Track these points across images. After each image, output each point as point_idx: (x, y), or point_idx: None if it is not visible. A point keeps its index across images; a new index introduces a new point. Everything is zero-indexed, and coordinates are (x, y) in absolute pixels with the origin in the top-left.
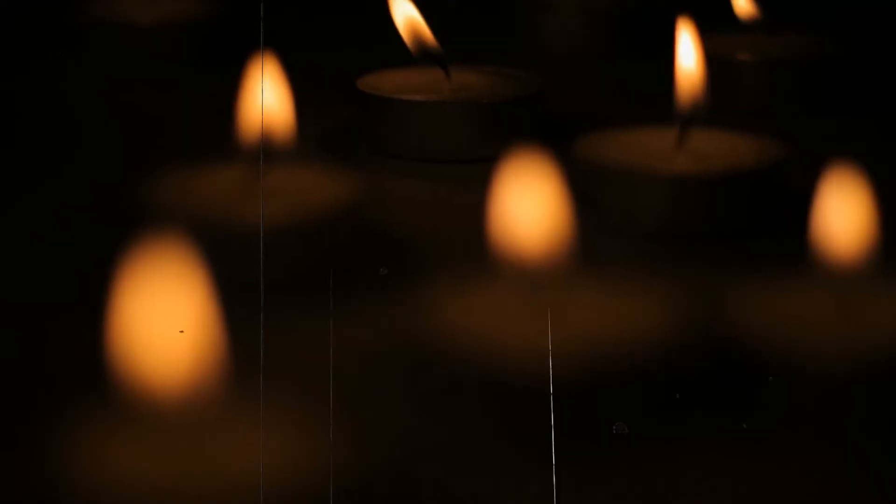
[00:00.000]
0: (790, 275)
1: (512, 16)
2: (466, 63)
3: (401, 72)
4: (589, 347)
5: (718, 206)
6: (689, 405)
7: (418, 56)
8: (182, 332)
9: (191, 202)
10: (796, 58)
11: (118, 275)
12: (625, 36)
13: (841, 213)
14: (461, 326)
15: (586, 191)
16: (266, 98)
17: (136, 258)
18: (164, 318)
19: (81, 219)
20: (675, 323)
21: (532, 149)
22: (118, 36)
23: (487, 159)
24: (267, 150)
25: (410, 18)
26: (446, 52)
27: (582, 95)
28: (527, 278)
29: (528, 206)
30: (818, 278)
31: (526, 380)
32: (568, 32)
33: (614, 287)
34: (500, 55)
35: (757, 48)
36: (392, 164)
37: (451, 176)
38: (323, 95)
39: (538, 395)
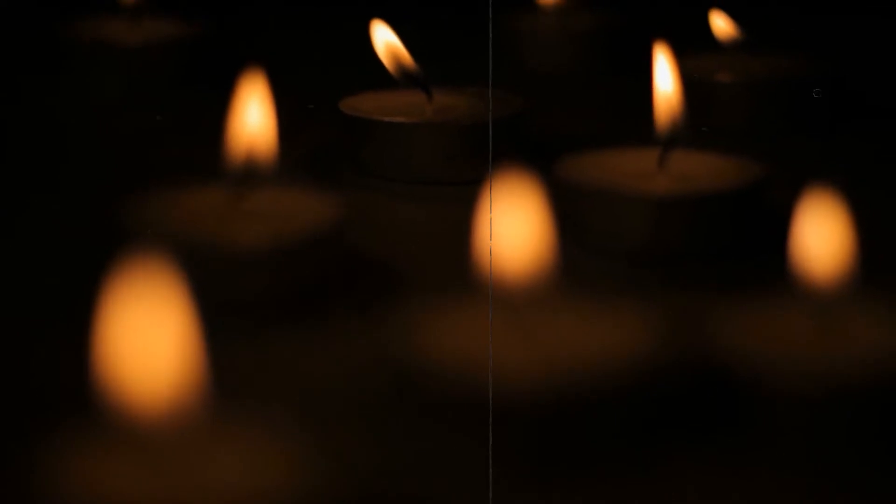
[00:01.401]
0: (771, 295)
1: (494, 36)
2: (448, 84)
3: (382, 94)
4: (570, 368)
5: (700, 227)
6: (671, 426)
7: (400, 79)
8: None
9: (175, 223)
10: (777, 78)
11: (103, 295)
12: (607, 56)
13: (821, 234)
14: (443, 347)
15: (568, 212)
16: (250, 119)
17: (121, 279)
18: (149, 339)
19: (66, 239)
20: (657, 344)
21: (514, 170)
22: (104, 56)
23: (469, 181)
24: (250, 171)
25: (390, 44)
26: (427, 74)
27: (564, 116)
28: (508, 299)
29: (510, 227)
30: (799, 299)
31: (507, 401)
32: (550, 53)
33: (596, 308)
34: (482, 76)
35: (737, 69)
36: (374, 185)
37: (434, 197)
38: (305, 117)
39: (520, 416)
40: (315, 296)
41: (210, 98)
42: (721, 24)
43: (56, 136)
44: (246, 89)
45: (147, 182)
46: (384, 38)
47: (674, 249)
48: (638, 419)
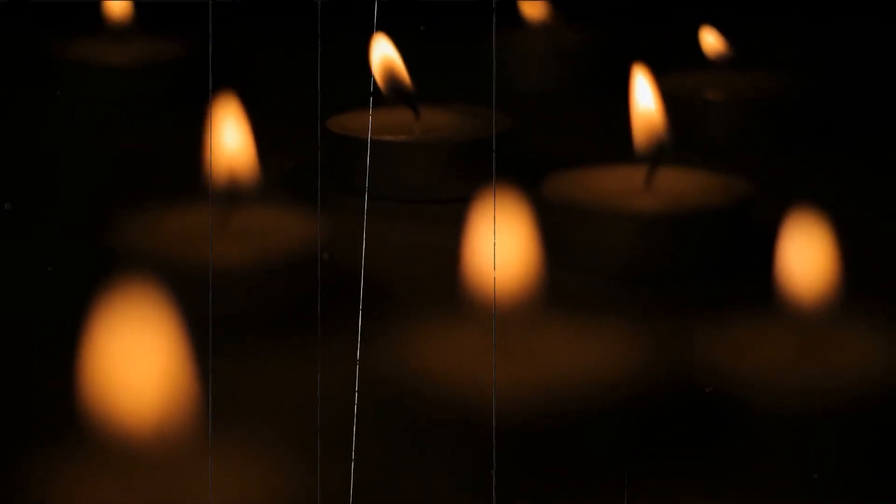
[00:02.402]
0: (757, 315)
1: (482, 54)
2: (436, 102)
3: (370, 112)
4: (557, 387)
5: (686, 246)
6: (657, 444)
7: (389, 96)
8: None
9: (160, 243)
10: (765, 96)
11: (89, 316)
12: (594, 75)
13: (807, 253)
14: (430, 366)
15: (555, 230)
16: (234, 138)
17: (106, 299)
18: (135, 359)
19: (52, 259)
20: (643, 362)
21: (501, 188)
22: (90, 76)
23: (456, 199)
24: (235, 190)
25: (387, 58)
26: (416, 92)
27: (551, 134)
28: (496, 318)
29: (497, 245)
30: (784, 318)
31: (492, 419)
32: (537, 71)
33: (582, 326)
34: (470, 94)
35: (725, 86)
36: (361, 203)
37: (421, 216)
38: (291, 135)
39: (507, 434)
40: (302, 315)
41: (194, 117)
42: (710, 41)
43: (43, 156)
44: (226, 109)
45: (131, 202)
46: (383, 53)
47: (660, 268)
48: (624, 437)
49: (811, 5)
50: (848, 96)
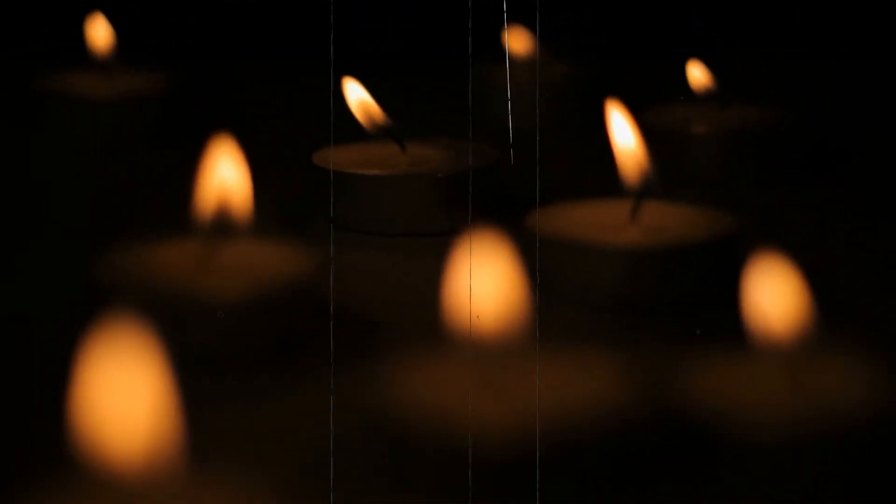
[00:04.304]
0: (742, 347)
1: (465, 87)
2: (421, 137)
3: (356, 146)
4: (542, 419)
5: (672, 279)
6: (642, 477)
7: (373, 132)
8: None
9: (148, 278)
10: (750, 129)
11: (77, 351)
12: (579, 108)
13: (789, 286)
14: (416, 400)
15: (541, 263)
16: (222, 173)
17: (94, 334)
18: (124, 394)
19: (38, 294)
20: (629, 395)
21: (487, 222)
22: (77, 110)
23: (443, 233)
24: (223, 225)
25: (362, 100)
26: (400, 126)
27: (536, 168)
28: (481, 352)
29: (483, 279)
30: (769, 351)
31: (479, 451)
32: (522, 105)
33: (568, 359)
34: (456, 128)
35: (711, 119)
36: (348, 237)
37: (408, 249)
38: (279, 169)
39: (492, 468)
40: (289, 349)
41: (182, 151)
42: (696, 74)
43: (30, 190)
44: (216, 143)
45: (121, 237)
46: (355, 96)
47: (646, 301)
48: (609, 470)
49: (797, 39)
50: (834, 129)
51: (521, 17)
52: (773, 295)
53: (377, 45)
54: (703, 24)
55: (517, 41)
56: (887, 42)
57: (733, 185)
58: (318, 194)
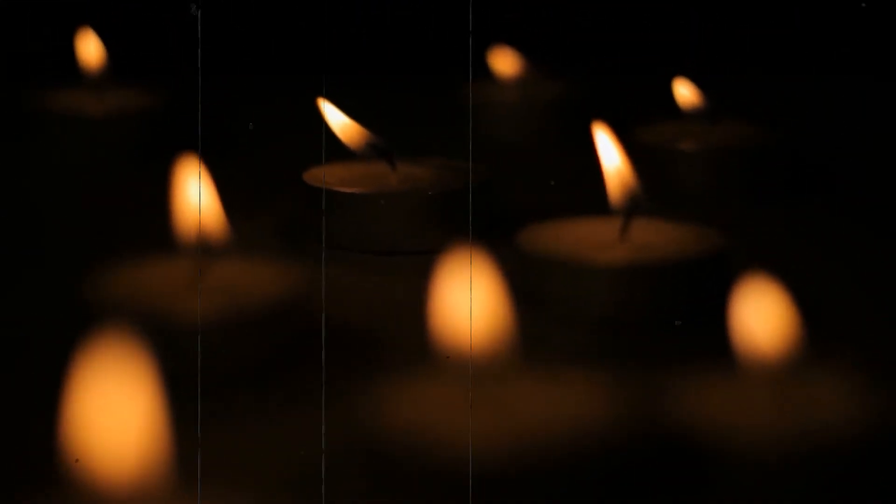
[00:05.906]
0: (730, 365)
1: (454, 107)
2: (411, 155)
3: (346, 164)
4: (532, 437)
5: (660, 297)
6: (632, 494)
7: (363, 152)
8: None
9: (135, 298)
10: (739, 147)
11: (65, 372)
12: (567, 127)
13: (776, 305)
14: (405, 419)
15: (530, 281)
16: (207, 192)
17: (81, 354)
18: (113, 415)
19: (25, 313)
20: (617, 412)
21: (476, 240)
22: (67, 127)
23: (432, 251)
24: (209, 244)
25: (345, 125)
26: (390, 145)
27: (525, 186)
28: (470, 370)
29: (472, 296)
30: (758, 368)
31: (471, 471)
32: (511, 124)
33: (557, 377)
34: (446, 147)
35: (699, 137)
36: (339, 256)
37: (399, 267)
38: (268, 188)
39: (485, 485)
40: (279, 369)
41: (168, 170)
42: (684, 92)
43: (17, 208)
44: (195, 164)
45: (110, 255)
46: (339, 121)
47: (634, 319)
48: (598, 488)
49: (784, 56)
50: (822, 147)
51: (508, 37)
52: (762, 312)
53: (367, 61)
54: (691, 42)
55: (506, 61)
56: (877, 60)
57: (722, 203)
58: (308, 213)
